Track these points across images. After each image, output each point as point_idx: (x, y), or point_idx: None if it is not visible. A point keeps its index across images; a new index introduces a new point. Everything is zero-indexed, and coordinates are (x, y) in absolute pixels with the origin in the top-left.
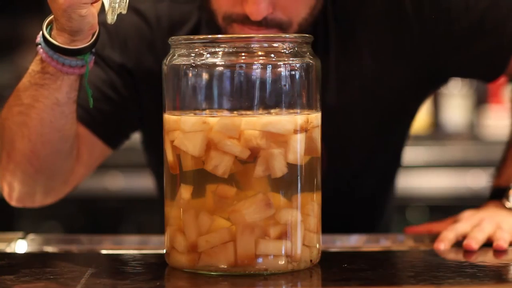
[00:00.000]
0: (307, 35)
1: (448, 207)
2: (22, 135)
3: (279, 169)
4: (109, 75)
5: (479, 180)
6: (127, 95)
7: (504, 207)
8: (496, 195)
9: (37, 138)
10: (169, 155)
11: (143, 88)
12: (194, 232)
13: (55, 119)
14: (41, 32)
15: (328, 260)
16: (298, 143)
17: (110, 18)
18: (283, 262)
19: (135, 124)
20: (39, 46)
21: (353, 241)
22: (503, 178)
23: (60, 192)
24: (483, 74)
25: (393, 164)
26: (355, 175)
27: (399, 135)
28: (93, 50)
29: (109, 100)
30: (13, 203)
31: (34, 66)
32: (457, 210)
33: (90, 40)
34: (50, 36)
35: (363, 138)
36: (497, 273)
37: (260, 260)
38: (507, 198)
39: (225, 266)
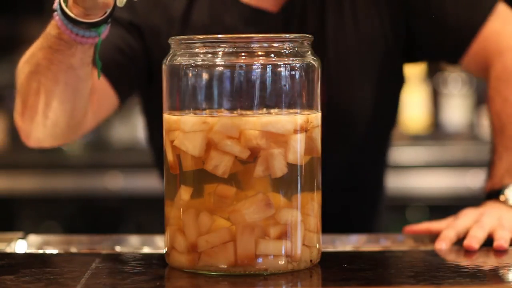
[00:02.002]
0: (307, 35)
1: (448, 207)
2: (38, 91)
3: (279, 169)
4: (120, 30)
5: (479, 180)
6: (137, 47)
7: (503, 203)
8: (492, 197)
9: (51, 96)
10: (169, 155)
11: (151, 42)
12: (194, 232)
13: (69, 81)
14: (58, 0)
15: (328, 260)
16: (298, 143)
17: (119, 1)
18: (283, 262)
19: (144, 76)
20: (55, 13)
21: (353, 241)
22: (495, 180)
23: (68, 139)
24: (448, 49)
25: (385, 142)
26: (352, 149)
27: (391, 100)
28: (108, 21)
29: (121, 51)
30: (29, 144)
31: (50, 30)
32: (457, 210)
33: (104, 14)
34: (67, 6)
35: (361, 98)
36: (497, 273)
37: (260, 260)
38: (505, 196)
39: (225, 266)
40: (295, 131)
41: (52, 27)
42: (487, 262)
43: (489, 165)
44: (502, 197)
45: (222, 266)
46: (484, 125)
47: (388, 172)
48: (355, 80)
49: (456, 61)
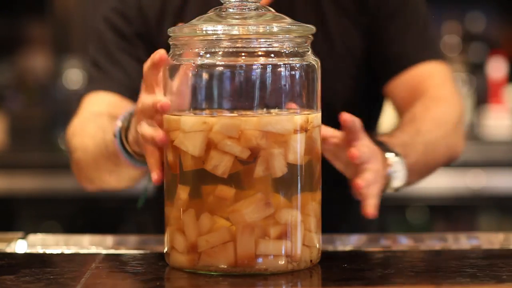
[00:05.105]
0: (308, 35)
1: (448, 207)
2: (94, 174)
3: (279, 169)
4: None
5: (479, 180)
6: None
7: (385, 162)
8: (381, 147)
9: (106, 178)
10: (169, 155)
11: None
12: (194, 232)
13: (119, 178)
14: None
15: (328, 260)
16: (298, 143)
17: None
18: (283, 262)
19: None
20: (115, 137)
21: (353, 241)
22: (392, 140)
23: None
24: (381, 68)
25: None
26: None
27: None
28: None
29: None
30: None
31: (111, 137)
32: (457, 210)
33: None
34: (127, 141)
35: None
36: (497, 273)
37: (260, 260)
38: (390, 162)
39: (225, 266)
40: (295, 131)
41: (112, 137)
42: (487, 262)
43: (396, 128)
44: (389, 160)
45: (222, 266)
46: (484, 125)
47: None
48: (338, 76)
49: (383, 82)
